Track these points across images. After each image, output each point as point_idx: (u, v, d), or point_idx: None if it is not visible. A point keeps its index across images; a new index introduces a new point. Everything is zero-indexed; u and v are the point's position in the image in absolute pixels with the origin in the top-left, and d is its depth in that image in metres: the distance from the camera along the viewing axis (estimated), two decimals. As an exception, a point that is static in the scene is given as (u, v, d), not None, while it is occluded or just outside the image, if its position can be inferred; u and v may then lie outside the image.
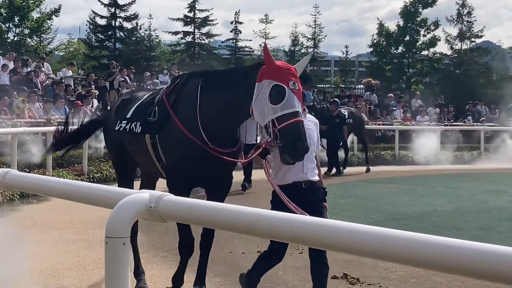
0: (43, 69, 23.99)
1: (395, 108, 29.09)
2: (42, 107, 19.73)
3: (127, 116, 6.73)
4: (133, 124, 6.56)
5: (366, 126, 25.92)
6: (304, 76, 6.43)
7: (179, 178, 6.14)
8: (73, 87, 24.47)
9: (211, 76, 6.17)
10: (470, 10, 47.46)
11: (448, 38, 47.36)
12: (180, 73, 28.05)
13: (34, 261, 7.83)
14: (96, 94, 22.81)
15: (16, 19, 39.27)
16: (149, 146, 6.28)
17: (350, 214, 11.89)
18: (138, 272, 7.00)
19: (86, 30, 45.82)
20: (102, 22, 44.46)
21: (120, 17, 44.28)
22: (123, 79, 24.68)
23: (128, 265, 2.88)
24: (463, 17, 47.36)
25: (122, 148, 6.92)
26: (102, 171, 16.58)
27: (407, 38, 47.23)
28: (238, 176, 12.20)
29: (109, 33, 44.64)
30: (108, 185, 4.05)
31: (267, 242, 8.65)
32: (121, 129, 6.74)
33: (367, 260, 7.69)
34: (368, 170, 20.76)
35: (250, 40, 49.97)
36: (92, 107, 21.71)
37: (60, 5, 41.31)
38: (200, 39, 47.88)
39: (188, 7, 47.00)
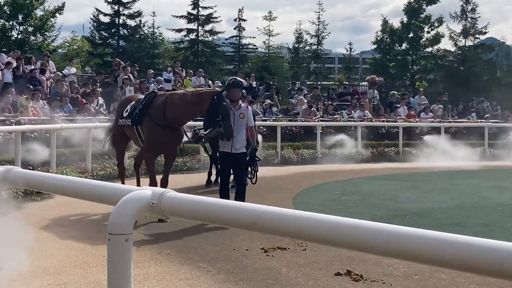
0: (48, 67, 23.99)
1: (398, 105, 29.06)
2: (46, 104, 19.75)
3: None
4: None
5: (371, 122, 25.96)
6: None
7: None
8: (76, 84, 24.45)
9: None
10: (474, 6, 47.35)
11: (452, 35, 47.28)
12: (183, 70, 28.18)
13: (37, 258, 7.84)
14: (100, 92, 22.81)
15: (20, 17, 39.25)
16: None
17: (354, 211, 11.89)
18: None
19: (90, 28, 45.85)
20: (106, 19, 44.46)
21: (123, 14, 44.28)
22: (126, 77, 24.68)
23: (131, 262, 2.88)
24: (467, 13, 47.26)
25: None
26: (105, 168, 16.58)
27: (411, 35, 47.13)
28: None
29: (113, 30, 44.64)
30: (110, 182, 4.04)
31: (271, 238, 8.67)
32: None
33: (370, 257, 7.69)
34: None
35: (254, 37, 50.00)
36: (97, 105, 21.74)
37: (64, 2, 41.31)
38: (204, 37, 47.82)
39: (191, 5, 46.94)
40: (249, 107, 11.52)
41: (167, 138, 11.06)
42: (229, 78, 12.69)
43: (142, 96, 12.29)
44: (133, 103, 11.82)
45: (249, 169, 10.92)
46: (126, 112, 11.77)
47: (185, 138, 11.68)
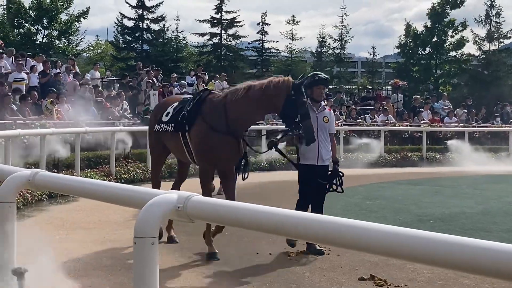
0: (73, 70, 24.16)
1: (422, 110, 28.92)
2: (70, 108, 19.89)
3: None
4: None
5: (394, 127, 25.86)
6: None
7: None
8: (100, 88, 24.60)
9: None
10: (499, 10, 47.00)
11: (476, 39, 46.96)
12: (206, 74, 28.18)
13: (62, 260, 7.89)
14: (122, 94, 22.95)
15: (45, 21, 39.57)
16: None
17: (377, 215, 11.85)
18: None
19: (114, 32, 46.12)
20: (130, 24, 44.70)
21: (147, 18, 44.48)
22: (150, 81, 24.79)
23: (157, 265, 2.90)
24: (492, 17, 46.92)
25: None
26: (129, 171, 16.67)
27: (435, 39, 46.88)
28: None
29: (137, 34, 44.86)
30: (135, 186, 4.07)
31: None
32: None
33: (394, 262, 7.66)
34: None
35: (277, 41, 49.89)
36: (121, 109, 21.85)
37: (89, 7, 41.65)
38: (227, 41, 47.92)
39: (215, 9, 47.06)
40: (331, 109, 9.45)
41: (228, 147, 8.45)
42: (311, 72, 10.09)
43: (187, 96, 9.85)
44: (176, 104, 9.20)
45: (335, 181, 9.01)
46: (166, 115, 9.13)
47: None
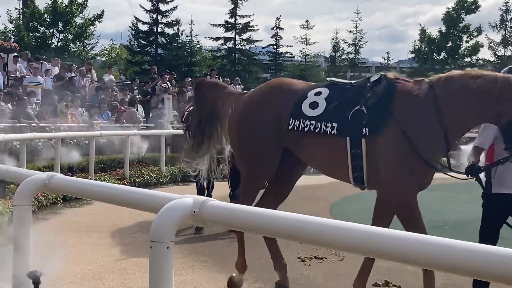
0: (89, 74, 24.25)
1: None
2: (85, 111, 19.98)
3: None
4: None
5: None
6: None
7: None
8: (116, 92, 24.67)
9: None
10: (514, 16, 46.93)
11: (491, 44, 46.88)
12: (220, 78, 28.29)
13: (76, 264, 7.92)
14: (138, 98, 23.01)
15: (60, 24, 39.85)
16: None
17: (392, 221, 11.80)
18: None
19: (128, 36, 46.38)
20: (144, 28, 44.92)
21: (162, 23, 44.71)
22: (164, 85, 24.85)
23: (172, 269, 2.90)
24: (507, 23, 46.84)
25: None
26: (143, 175, 16.71)
27: (450, 44, 46.85)
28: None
29: (151, 38, 45.08)
30: (150, 190, 4.08)
31: (308, 248, 8.64)
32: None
33: (408, 268, 7.63)
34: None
35: (291, 46, 50.15)
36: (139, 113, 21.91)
37: (103, 11, 41.92)
38: (241, 45, 48.04)
39: (229, 13, 47.24)
40: None
41: (430, 174, 6.16)
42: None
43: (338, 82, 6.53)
44: (323, 91, 6.26)
45: None
46: (312, 107, 6.18)
47: None
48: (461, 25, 46.78)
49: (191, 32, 46.53)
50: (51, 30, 40.13)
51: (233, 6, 46.81)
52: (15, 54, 23.17)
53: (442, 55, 47.52)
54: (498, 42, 46.78)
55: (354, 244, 2.48)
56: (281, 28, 49.47)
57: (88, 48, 42.37)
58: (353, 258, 8.32)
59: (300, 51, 49.93)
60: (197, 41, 47.51)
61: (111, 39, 73.22)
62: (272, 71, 50.09)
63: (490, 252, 2.11)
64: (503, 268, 2.07)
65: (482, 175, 5.71)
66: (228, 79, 29.46)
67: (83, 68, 24.47)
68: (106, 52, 48.97)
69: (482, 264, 2.11)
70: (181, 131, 13.81)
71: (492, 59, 47.53)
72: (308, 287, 7.25)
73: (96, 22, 41.60)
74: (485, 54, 48.05)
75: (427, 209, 14.00)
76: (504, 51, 47.10)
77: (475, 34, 46.75)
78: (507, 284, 2.15)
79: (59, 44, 40.36)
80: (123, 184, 14.25)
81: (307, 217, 2.68)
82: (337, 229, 2.52)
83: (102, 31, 76.23)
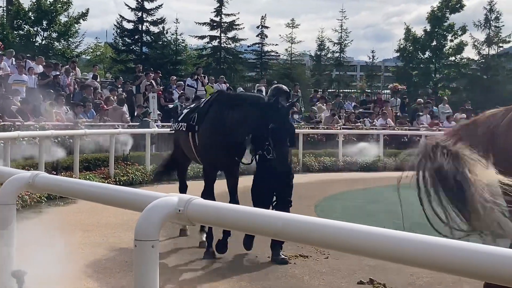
0: (73, 72, 24.12)
1: (421, 114, 28.94)
2: (69, 110, 19.88)
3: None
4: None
5: (393, 130, 25.86)
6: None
7: None
8: (100, 90, 24.57)
9: None
10: (498, 15, 47.16)
11: (476, 43, 47.11)
12: (205, 77, 28.25)
13: (60, 263, 7.88)
14: (125, 96, 22.90)
15: (44, 22, 39.62)
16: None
17: (376, 219, 11.83)
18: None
19: (113, 34, 46.20)
20: (129, 26, 44.76)
21: (147, 21, 44.57)
22: (149, 83, 24.79)
23: (157, 268, 2.90)
24: (491, 22, 47.07)
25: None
26: (128, 174, 16.66)
27: (434, 43, 47.02)
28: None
29: (136, 37, 44.94)
30: (135, 188, 4.07)
31: (293, 246, 8.66)
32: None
33: (392, 266, 7.65)
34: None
35: (277, 44, 49.98)
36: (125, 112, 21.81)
37: (88, 9, 41.78)
38: (226, 44, 48.00)
39: (214, 12, 47.14)
40: None
41: None
42: None
43: None
44: None
45: None
46: None
47: None
48: (445, 24, 46.93)
49: (176, 31, 46.44)
50: (35, 28, 39.90)
51: (218, 4, 46.72)
52: (0, 52, 23.02)
53: (427, 54, 47.67)
54: (482, 41, 46.98)
55: (339, 242, 2.49)
56: (267, 27, 49.48)
57: (73, 47, 42.18)
58: (337, 256, 8.35)
59: (286, 49, 49.93)
60: (183, 40, 47.43)
61: (96, 38, 72.90)
62: (257, 69, 50.10)
63: (474, 250, 2.13)
64: (488, 266, 2.08)
65: None
66: (214, 78, 29.44)
67: (68, 66, 24.35)
68: (91, 50, 48.75)
69: (466, 261, 2.13)
70: (165, 130, 14.13)
71: (476, 58, 47.79)
72: (293, 285, 7.25)
73: (81, 21, 41.42)
74: (469, 53, 48.29)
75: (411, 207, 14.05)
76: (488, 50, 47.32)
77: (460, 33, 46.92)
78: (491, 281, 2.16)
79: (43, 42, 40.15)
80: (108, 183, 14.20)
81: (292, 215, 2.69)
82: (322, 227, 2.52)
83: (87, 30, 75.97)
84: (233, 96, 9.20)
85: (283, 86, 9.52)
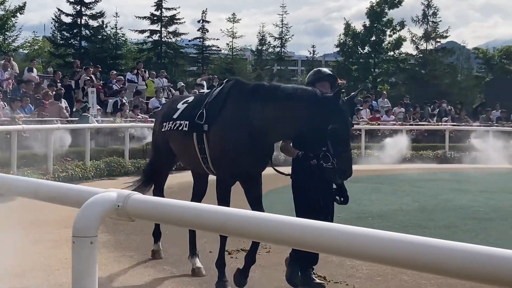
0: (9, 66, 23.65)
1: (361, 108, 29.26)
2: (6, 105, 19.49)
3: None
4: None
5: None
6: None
7: None
8: (43, 85, 24.14)
9: None
10: (436, 10, 48.04)
11: (414, 38, 47.89)
12: (146, 71, 27.96)
13: (-2, 261, 7.73)
14: (63, 92, 22.56)
15: (-21, 16, 38.82)
16: None
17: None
18: None
19: (51, 28, 45.50)
20: (68, 20, 44.14)
21: (86, 15, 44.01)
22: (88, 78, 24.48)
23: (96, 264, 2.86)
24: (429, 17, 47.90)
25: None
26: (67, 170, 16.43)
27: (373, 38, 47.60)
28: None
29: (75, 31, 44.35)
30: (73, 184, 4.01)
31: (235, 241, 8.65)
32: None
33: (333, 259, 7.73)
34: None
35: (218, 39, 50.02)
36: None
37: (25, 2, 40.95)
38: (167, 38, 47.74)
39: (154, 6, 46.83)
40: None
41: None
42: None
43: None
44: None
45: None
46: None
47: None
48: (384, 19, 47.59)
49: (116, 25, 46.06)
50: (-30, 22, 39.06)
51: (159, -2, 46.46)
52: None
53: (366, 49, 48.25)
54: (420, 36, 47.76)
55: (280, 236, 2.49)
56: (208, 21, 49.44)
57: (10, 41, 41.36)
58: (279, 250, 8.38)
59: (227, 44, 50.00)
60: (123, 34, 47.07)
61: (34, 31, 71.67)
62: (198, 64, 49.99)
63: (412, 242, 2.15)
64: (424, 257, 2.11)
65: None
66: (154, 72, 29.24)
67: (6, 62, 23.86)
68: (29, 44, 47.90)
69: (404, 253, 2.15)
70: (105, 125, 13.73)
71: (414, 53, 48.55)
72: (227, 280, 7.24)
73: (18, 14, 40.65)
74: (407, 48, 49.03)
75: (352, 200, 14.20)
76: (426, 45, 48.16)
77: (398, 28, 47.64)
78: (427, 272, 2.19)
79: (-22, 36, 39.34)
80: (46, 179, 13.98)
81: (232, 210, 2.68)
82: (263, 222, 2.52)
83: (24, 23, 74.41)
84: (264, 87, 6.83)
85: (326, 69, 7.94)
